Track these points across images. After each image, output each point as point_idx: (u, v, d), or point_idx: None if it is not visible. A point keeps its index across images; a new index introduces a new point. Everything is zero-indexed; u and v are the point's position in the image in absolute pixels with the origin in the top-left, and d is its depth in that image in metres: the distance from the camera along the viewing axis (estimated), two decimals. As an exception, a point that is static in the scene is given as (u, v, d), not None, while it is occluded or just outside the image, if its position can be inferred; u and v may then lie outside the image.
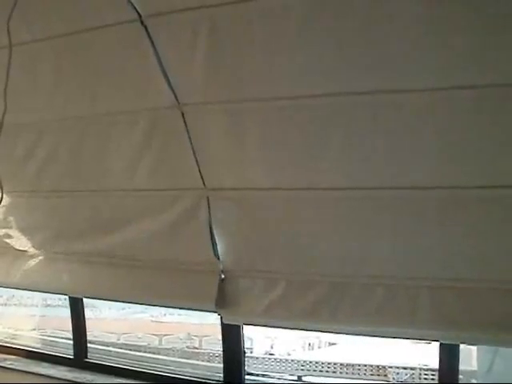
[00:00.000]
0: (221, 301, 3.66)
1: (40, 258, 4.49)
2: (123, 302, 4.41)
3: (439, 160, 2.86)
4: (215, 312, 3.72)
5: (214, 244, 3.62)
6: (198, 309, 4.05)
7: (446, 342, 3.22)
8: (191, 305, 3.98)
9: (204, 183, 3.49)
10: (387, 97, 2.80)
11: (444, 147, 2.82)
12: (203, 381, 4.10)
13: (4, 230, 4.51)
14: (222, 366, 4.03)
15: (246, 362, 3.95)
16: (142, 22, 2.99)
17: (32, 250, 4.50)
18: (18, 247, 4.54)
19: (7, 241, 4.54)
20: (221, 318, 3.75)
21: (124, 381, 4.31)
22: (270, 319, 3.61)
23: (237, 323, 3.79)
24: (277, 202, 3.37)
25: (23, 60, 3.44)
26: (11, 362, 4.83)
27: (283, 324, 3.75)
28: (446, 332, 3.10)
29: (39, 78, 3.59)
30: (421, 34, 2.54)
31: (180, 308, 4.38)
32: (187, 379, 4.19)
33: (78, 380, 4.41)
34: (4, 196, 3.83)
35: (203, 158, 3.40)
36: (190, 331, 6.33)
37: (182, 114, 3.30)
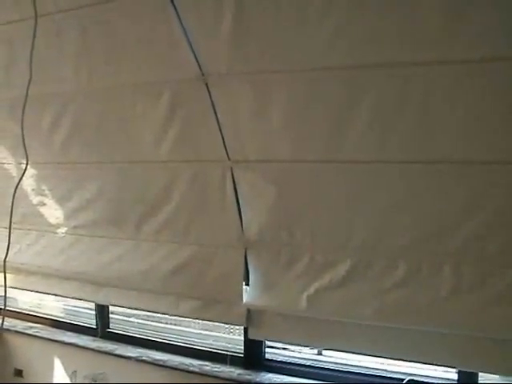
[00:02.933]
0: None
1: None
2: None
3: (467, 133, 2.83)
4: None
5: (240, 217, 3.64)
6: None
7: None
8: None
9: (228, 155, 3.47)
10: (418, 69, 2.74)
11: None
12: (224, 352, 4.13)
13: (39, 198, 4.55)
14: (242, 338, 4.07)
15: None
16: (167, -9, 2.95)
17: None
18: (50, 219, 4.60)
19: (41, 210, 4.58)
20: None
21: (146, 351, 4.38)
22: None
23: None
24: (301, 174, 3.35)
25: (48, 31, 3.46)
26: (37, 329, 4.94)
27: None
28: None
29: (64, 49, 3.58)
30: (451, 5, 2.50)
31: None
32: (208, 351, 4.25)
33: (102, 349, 4.51)
34: (32, 166, 3.95)
35: (227, 130, 3.39)
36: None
37: (207, 86, 3.27)
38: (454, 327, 3.12)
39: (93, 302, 4.78)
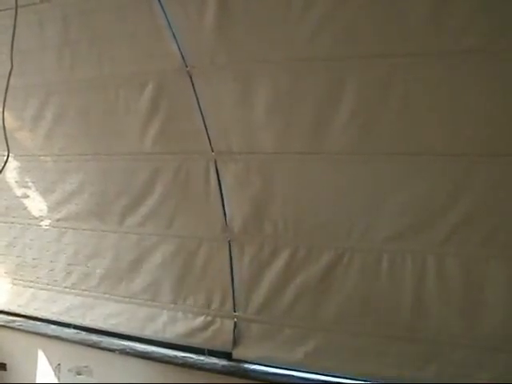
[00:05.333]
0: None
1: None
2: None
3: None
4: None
5: (224, 209, 3.64)
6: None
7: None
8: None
9: (212, 147, 3.47)
10: (401, 60, 2.76)
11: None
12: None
13: (22, 190, 4.53)
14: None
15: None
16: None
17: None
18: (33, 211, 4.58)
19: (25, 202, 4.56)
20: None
21: (130, 343, 4.36)
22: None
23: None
24: (285, 166, 3.35)
25: (30, 22, 3.43)
26: (20, 323, 4.92)
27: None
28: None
29: (46, 39, 3.56)
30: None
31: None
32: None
33: (86, 342, 4.51)
34: (15, 158, 3.92)
35: (211, 122, 3.39)
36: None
37: (190, 77, 3.27)
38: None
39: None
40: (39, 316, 4.79)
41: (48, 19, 3.46)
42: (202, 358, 4.02)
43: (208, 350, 4.01)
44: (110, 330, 4.40)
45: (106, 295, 4.37)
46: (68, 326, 4.63)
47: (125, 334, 4.35)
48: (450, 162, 2.93)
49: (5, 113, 3.27)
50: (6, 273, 4.92)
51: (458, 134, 2.83)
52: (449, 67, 2.69)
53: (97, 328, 4.47)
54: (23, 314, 4.91)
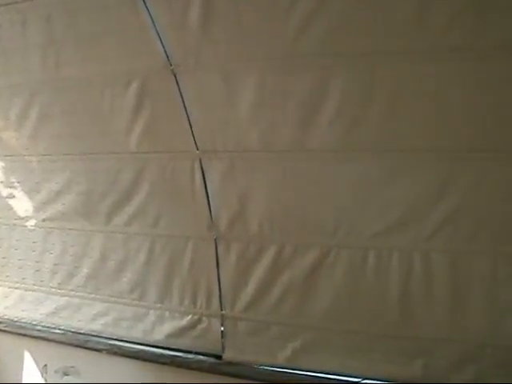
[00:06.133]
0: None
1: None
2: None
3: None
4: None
5: (209, 207, 3.64)
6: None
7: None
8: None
9: (197, 146, 3.47)
10: (387, 58, 2.78)
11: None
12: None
13: (8, 190, 4.50)
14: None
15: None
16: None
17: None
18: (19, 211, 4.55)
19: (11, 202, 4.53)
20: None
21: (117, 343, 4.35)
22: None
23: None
24: (270, 163, 3.36)
25: (13, 21, 3.41)
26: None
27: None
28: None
29: (30, 38, 3.53)
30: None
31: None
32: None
33: (72, 342, 4.49)
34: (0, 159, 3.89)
35: (196, 120, 3.39)
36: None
37: (175, 76, 3.26)
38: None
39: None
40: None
41: (31, 18, 3.43)
42: (189, 356, 4.01)
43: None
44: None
45: (92, 295, 4.34)
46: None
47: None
48: (436, 159, 2.96)
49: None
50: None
51: (444, 130, 2.85)
52: (434, 64, 2.71)
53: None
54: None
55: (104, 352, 4.28)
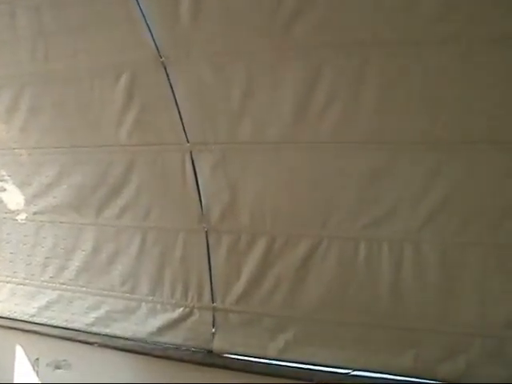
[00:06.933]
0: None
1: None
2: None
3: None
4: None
5: (200, 199, 3.63)
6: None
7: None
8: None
9: (187, 138, 3.46)
10: (376, 49, 2.78)
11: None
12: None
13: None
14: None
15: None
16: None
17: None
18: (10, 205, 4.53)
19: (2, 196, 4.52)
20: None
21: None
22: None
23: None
24: (261, 155, 3.36)
25: (1, 12, 3.40)
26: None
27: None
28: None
29: (19, 30, 3.52)
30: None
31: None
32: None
33: (64, 336, 4.46)
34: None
35: (186, 113, 3.38)
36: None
37: (165, 68, 3.26)
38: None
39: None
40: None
41: (20, 9, 3.41)
42: (181, 349, 4.01)
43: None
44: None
45: (84, 288, 4.33)
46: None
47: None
48: (426, 150, 2.97)
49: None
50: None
51: (434, 122, 2.86)
52: (424, 56, 2.71)
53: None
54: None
55: (96, 345, 4.27)
